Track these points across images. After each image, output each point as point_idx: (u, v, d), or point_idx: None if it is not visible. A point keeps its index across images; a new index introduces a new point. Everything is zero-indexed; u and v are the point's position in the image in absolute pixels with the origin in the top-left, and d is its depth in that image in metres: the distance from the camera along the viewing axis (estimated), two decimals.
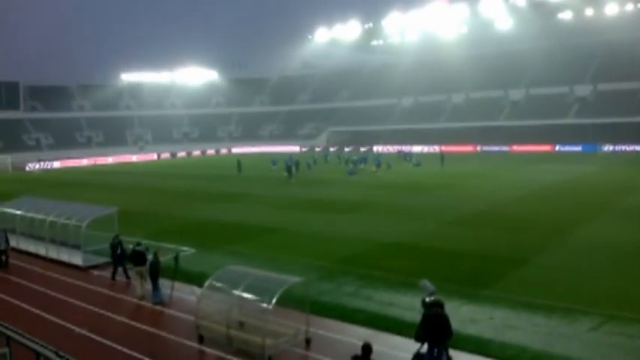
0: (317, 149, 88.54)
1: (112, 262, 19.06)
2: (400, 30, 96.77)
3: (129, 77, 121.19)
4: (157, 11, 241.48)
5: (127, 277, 18.60)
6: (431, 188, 38.53)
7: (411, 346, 11.08)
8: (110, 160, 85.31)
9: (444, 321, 10.65)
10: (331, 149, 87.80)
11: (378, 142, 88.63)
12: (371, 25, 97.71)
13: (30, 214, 23.94)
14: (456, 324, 11.42)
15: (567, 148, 72.78)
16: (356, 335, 13.14)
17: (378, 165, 52.06)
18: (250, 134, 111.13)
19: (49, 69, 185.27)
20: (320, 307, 14.63)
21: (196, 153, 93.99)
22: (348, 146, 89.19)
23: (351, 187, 40.87)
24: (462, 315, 13.84)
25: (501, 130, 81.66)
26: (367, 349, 9.36)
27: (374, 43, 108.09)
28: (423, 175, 47.45)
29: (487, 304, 14.75)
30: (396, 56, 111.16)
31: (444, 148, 74.96)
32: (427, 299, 11.23)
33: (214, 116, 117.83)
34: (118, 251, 18.58)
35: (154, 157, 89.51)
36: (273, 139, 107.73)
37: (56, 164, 78.67)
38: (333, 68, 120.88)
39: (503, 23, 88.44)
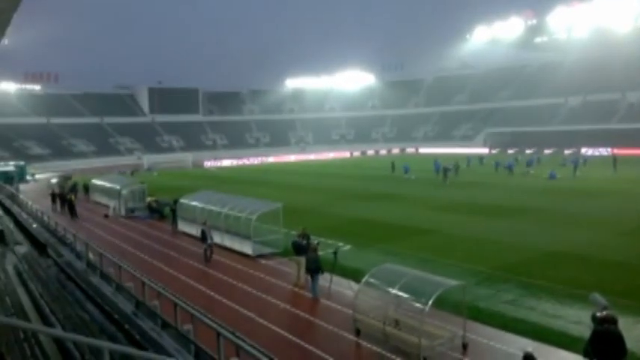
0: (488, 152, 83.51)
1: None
2: (567, 25, 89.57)
3: (292, 83, 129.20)
4: (320, 19, 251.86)
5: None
6: (602, 195, 35.13)
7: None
8: (274, 159, 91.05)
9: (617, 338, 9.83)
10: (510, 151, 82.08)
11: (540, 145, 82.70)
12: (534, 21, 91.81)
13: (208, 207, 26.66)
14: (630, 343, 10.46)
15: None
16: (516, 345, 12.65)
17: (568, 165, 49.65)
18: (404, 136, 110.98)
19: (224, 76, 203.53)
20: (477, 312, 14.33)
21: (356, 154, 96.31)
22: (513, 148, 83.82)
23: (512, 190, 38.84)
24: (637, 334, 12.59)
25: None
26: (529, 359, 8.95)
27: (537, 40, 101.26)
28: (592, 180, 43.41)
29: None
30: (561, 53, 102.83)
31: (616, 151, 67.61)
32: (598, 314, 10.44)
33: (369, 118, 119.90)
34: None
35: (313, 157, 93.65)
36: (427, 140, 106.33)
37: (227, 162, 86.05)
38: (492, 67, 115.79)
39: None
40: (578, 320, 13.51)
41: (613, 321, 10.17)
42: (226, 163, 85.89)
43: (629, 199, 33.03)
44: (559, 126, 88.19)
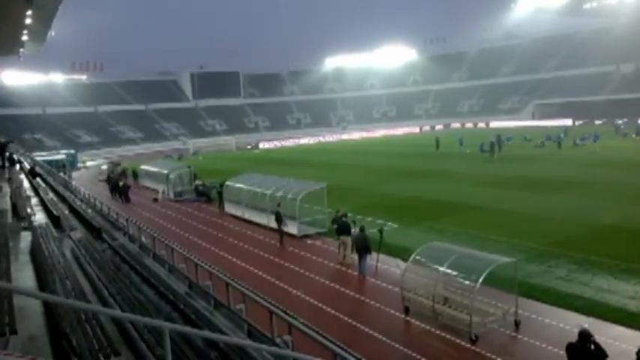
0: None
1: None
2: None
3: (332, 61, 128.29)
4: None
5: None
6: None
7: (637, 337, 10.10)
8: (316, 139, 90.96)
9: None
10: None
11: (591, 115, 79.22)
12: None
13: (253, 189, 27.02)
14: None
15: None
16: (570, 322, 12.38)
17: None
18: (448, 111, 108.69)
19: (263, 58, 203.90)
20: (529, 289, 14.05)
21: (399, 131, 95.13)
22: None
23: (561, 164, 37.61)
24: None
25: None
26: (585, 335, 8.66)
27: (586, 6, 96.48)
28: None
29: None
30: (612, 19, 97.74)
31: None
32: None
33: (411, 94, 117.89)
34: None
35: (356, 135, 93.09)
36: (472, 115, 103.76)
37: (270, 144, 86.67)
38: (538, 37, 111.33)
39: None
40: (635, 295, 13.10)
41: None
42: (272, 144, 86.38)
43: None
44: (611, 95, 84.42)
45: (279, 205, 22.61)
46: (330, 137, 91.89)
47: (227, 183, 29.91)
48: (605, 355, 8.37)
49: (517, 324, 12.38)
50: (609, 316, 12.39)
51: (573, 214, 22.27)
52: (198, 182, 36.76)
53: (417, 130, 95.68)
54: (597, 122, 72.56)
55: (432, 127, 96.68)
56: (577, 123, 75.64)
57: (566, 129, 61.22)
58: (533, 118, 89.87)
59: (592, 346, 8.47)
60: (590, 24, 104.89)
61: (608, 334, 11.52)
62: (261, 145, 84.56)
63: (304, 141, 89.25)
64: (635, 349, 9.70)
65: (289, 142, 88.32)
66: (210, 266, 13.30)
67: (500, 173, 35.35)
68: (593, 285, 14.41)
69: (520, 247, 18.11)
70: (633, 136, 50.96)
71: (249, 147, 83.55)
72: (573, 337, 11.54)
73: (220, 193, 30.52)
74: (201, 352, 7.99)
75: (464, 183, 32.76)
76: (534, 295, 13.88)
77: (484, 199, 27.12)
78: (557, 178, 31.74)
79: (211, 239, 23.73)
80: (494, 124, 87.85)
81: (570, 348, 8.71)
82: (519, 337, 12.04)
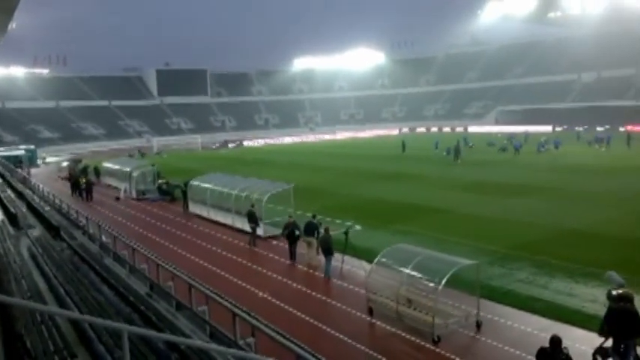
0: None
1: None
2: (581, 0, 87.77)
3: (301, 63, 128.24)
4: None
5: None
6: (616, 172, 34.73)
7: (593, 339, 10.36)
8: (283, 140, 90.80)
9: (633, 316, 9.77)
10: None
11: (552, 122, 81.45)
12: None
13: (218, 188, 26.72)
14: None
15: None
16: (530, 324, 12.64)
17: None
18: (414, 115, 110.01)
19: (232, 57, 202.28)
20: (490, 291, 14.29)
21: (365, 134, 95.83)
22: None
23: (524, 169, 38.50)
24: None
25: None
26: (556, 341, 8.77)
27: (551, 15, 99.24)
28: (605, 158, 42.91)
29: None
30: (576, 29, 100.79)
31: (630, 127, 66.64)
32: (614, 292, 10.37)
33: (379, 97, 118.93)
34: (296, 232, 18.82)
35: (323, 137, 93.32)
36: (438, 119, 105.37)
37: (237, 144, 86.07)
38: (504, 44, 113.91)
39: None
40: (594, 298, 13.43)
41: (629, 299, 10.10)
42: (238, 144, 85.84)
43: None
44: (572, 103, 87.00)
45: (252, 205, 22.32)
46: (297, 138, 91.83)
47: (192, 182, 29.51)
48: None
49: (478, 325, 12.57)
50: (568, 318, 12.68)
51: (535, 218, 22.78)
52: (161, 181, 36.15)
53: (386, 132, 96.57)
54: (578, 129, 72.81)
55: (401, 130, 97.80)
56: (557, 129, 76.27)
57: (526, 135, 62.63)
58: (496, 123, 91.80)
59: (562, 354, 8.63)
60: (555, 33, 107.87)
61: (566, 336, 11.68)
62: (230, 145, 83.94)
63: (272, 141, 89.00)
64: (592, 351, 9.97)
65: (258, 142, 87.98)
66: (172, 267, 13.05)
67: (464, 177, 35.94)
68: (552, 288, 14.75)
69: (483, 250, 18.40)
70: (596, 146, 51.56)
71: (214, 146, 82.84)
72: (533, 339, 11.83)
73: (185, 193, 30.08)
74: (161, 354, 7.82)
75: (429, 186, 33.17)
76: (495, 297, 14.11)
77: (449, 202, 27.50)
78: (519, 182, 32.46)
79: (174, 239, 23.33)
80: (460, 128, 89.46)
81: (541, 353, 8.85)
82: (480, 338, 12.21)
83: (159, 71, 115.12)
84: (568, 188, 29.71)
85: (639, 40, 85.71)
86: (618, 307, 9.97)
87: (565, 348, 8.74)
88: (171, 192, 34.28)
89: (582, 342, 11.21)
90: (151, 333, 6.69)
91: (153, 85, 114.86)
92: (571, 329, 12.12)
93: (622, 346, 9.76)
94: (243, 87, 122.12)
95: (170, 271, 12.40)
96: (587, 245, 18.53)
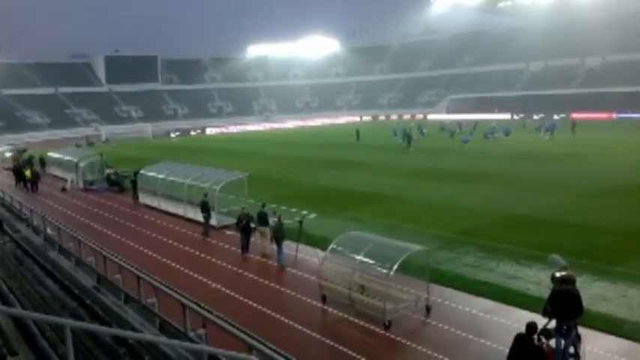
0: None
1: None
2: None
3: (255, 50, 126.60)
4: None
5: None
6: (560, 158, 36.07)
7: (538, 320, 10.73)
8: (238, 128, 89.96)
9: (575, 297, 10.16)
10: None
11: (502, 110, 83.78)
12: None
13: (170, 178, 26.19)
14: (587, 301, 10.85)
15: None
16: (477, 306, 13.02)
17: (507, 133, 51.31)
18: (369, 103, 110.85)
19: (184, 43, 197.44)
20: (440, 276, 14.62)
21: (323, 121, 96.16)
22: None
23: (474, 157, 39.45)
24: (593, 292, 13.11)
25: None
26: (531, 328, 8.92)
27: (501, 4, 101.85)
28: (550, 145, 44.51)
29: (621, 282, 13.83)
30: (525, 18, 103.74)
31: (574, 115, 69.40)
32: (557, 274, 10.77)
33: (334, 85, 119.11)
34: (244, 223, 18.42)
35: (278, 125, 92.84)
36: (392, 107, 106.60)
37: (192, 132, 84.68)
38: (456, 33, 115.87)
39: None
40: (538, 281, 13.94)
41: (571, 281, 10.50)
42: (192, 132, 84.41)
43: (586, 163, 34.02)
44: (521, 91, 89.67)
45: (206, 195, 21.94)
46: (252, 126, 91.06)
47: (142, 172, 28.81)
48: (543, 356, 8.82)
49: (428, 309, 12.85)
50: (513, 300, 13.12)
51: (483, 204, 23.43)
52: (110, 171, 35.17)
53: (340, 120, 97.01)
54: (535, 117, 74.56)
55: (362, 118, 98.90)
56: (535, 117, 76.06)
57: (475, 123, 64.05)
58: (448, 111, 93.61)
59: (537, 339, 8.89)
60: (505, 22, 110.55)
61: (512, 318, 12.22)
62: (180, 133, 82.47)
63: (226, 130, 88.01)
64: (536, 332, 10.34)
65: (211, 131, 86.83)
66: (120, 259, 12.74)
67: (416, 164, 36.55)
68: (499, 271, 15.23)
69: (433, 235, 18.80)
70: (541, 134, 52.84)
71: (173, 135, 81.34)
72: (479, 321, 12.22)
73: (134, 183, 29.35)
74: (109, 349, 7.63)
75: (382, 173, 33.57)
76: (444, 281, 14.46)
77: (401, 189, 27.92)
78: (469, 169, 33.25)
79: (124, 231, 22.76)
80: (420, 116, 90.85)
81: (517, 339, 9.09)
82: (430, 322, 12.49)
83: (108, 58, 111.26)
84: (515, 175, 30.67)
85: (584, 30, 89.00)
86: (561, 289, 10.35)
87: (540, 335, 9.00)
88: (120, 182, 33.41)
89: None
90: (95, 327, 6.52)
91: (101, 72, 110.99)
92: (516, 311, 12.56)
93: (564, 327, 10.16)
94: (196, 74, 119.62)
95: (118, 263, 12.10)
96: (532, 230, 19.20)
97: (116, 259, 12.44)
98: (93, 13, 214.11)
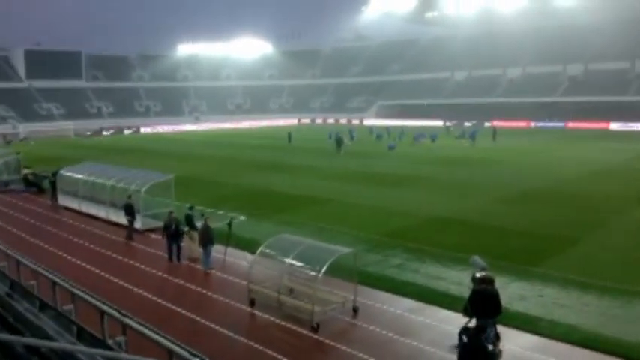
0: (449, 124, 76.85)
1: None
2: (456, 1, 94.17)
3: (185, 48, 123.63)
4: None
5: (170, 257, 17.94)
6: (481, 164, 37.80)
7: (459, 319, 11.17)
8: (167, 129, 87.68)
9: (494, 297, 10.66)
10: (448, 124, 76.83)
11: (428, 117, 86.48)
12: None
13: (92, 179, 25.06)
14: (505, 300, 11.40)
15: (627, 127, 69.20)
16: (402, 306, 13.36)
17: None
18: (301, 106, 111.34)
19: (110, 39, 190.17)
20: (367, 277, 14.86)
21: (253, 124, 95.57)
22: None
23: (401, 161, 40.54)
24: (511, 291, 13.77)
25: (557, 106, 79.01)
26: (481, 329, 9.23)
27: (428, 15, 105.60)
28: (473, 151, 46.55)
29: (537, 282, 14.60)
30: (451, 29, 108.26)
31: (495, 123, 72.95)
32: (477, 275, 11.24)
33: (267, 88, 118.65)
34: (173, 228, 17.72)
35: (209, 126, 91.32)
36: (323, 111, 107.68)
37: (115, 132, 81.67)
38: (385, 40, 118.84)
39: None
40: (459, 281, 14.48)
41: (490, 281, 11.00)
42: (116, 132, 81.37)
43: (505, 168, 35.81)
44: (446, 99, 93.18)
45: (129, 197, 21.09)
46: (181, 127, 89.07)
47: (61, 172, 27.41)
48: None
49: (355, 311, 13.03)
50: (436, 300, 13.57)
51: (410, 207, 24.09)
52: (27, 171, 33.24)
53: (274, 123, 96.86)
54: (467, 124, 77.22)
55: (300, 121, 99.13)
56: (448, 124, 77.83)
57: (402, 129, 65.69)
58: (377, 117, 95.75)
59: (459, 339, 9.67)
60: (432, 32, 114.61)
61: (435, 317, 12.64)
62: (105, 133, 79.38)
63: (154, 130, 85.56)
64: (458, 330, 10.75)
65: (138, 131, 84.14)
66: (35, 264, 12.03)
67: (346, 168, 37.08)
68: (423, 272, 15.70)
69: (361, 238, 19.11)
70: (463, 141, 54.58)
71: (88, 133, 78.12)
72: (404, 321, 12.52)
73: (53, 184, 27.88)
74: (21, 359, 7.19)
75: (312, 176, 33.78)
76: (371, 282, 14.71)
77: (330, 192, 28.20)
78: (396, 173, 34.14)
79: (41, 234, 21.54)
80: (356, 121, 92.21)
81: (464, 330, 9.45)
82: (357, 323, 12.67)
83: (28, 51, 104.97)
84: (440, 178, 31.79)
85: (506, 42, 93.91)
86: (480, 288, 10.82)
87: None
88: (38, 183, 31.65)
89: (449, 322, 12.08)
90: (6, 336, 6.11)
91: (21, 67, 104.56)
92: (439, 310, 13.01)
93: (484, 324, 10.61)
94: (123, 71, 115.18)
95: (32, 268, 11.42)
96: (455, 232, 19.96)
97: (30, 264, 11.73)
98: (13, 3, 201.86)
